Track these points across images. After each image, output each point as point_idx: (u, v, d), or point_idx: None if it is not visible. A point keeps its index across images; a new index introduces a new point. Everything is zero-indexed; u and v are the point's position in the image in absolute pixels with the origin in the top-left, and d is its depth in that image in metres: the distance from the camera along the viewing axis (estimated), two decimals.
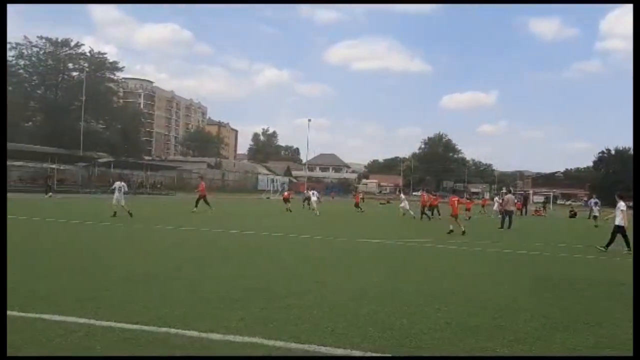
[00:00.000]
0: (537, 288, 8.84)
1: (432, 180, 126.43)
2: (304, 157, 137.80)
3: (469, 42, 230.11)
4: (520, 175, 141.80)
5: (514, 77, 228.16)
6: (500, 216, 26.21)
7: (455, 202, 21.12)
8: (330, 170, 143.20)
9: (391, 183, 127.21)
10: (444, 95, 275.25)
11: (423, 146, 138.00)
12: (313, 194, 32.86)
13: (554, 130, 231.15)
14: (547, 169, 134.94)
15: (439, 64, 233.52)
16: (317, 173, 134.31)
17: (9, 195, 34.22)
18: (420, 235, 18.58)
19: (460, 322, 6.14)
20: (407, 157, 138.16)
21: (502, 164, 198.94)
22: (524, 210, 42.78)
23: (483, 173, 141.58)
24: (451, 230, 19.41)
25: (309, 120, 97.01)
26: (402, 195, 35.25)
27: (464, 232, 19.07)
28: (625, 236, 15.25)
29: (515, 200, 30.24)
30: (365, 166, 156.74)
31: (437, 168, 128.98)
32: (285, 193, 37.37)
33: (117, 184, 22.77)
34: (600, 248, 15.25)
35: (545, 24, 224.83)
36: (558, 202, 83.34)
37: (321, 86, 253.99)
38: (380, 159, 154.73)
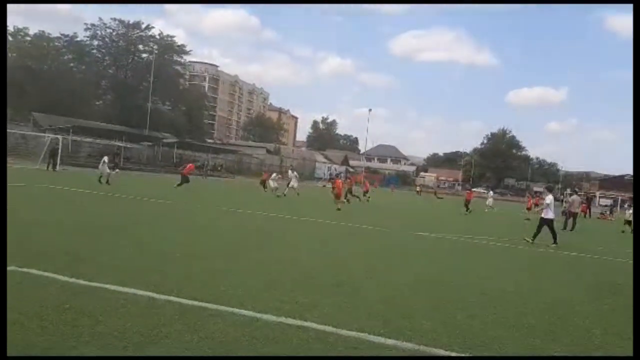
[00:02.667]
0: (597, 293, 8.52)
1: (493, 177, 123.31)
2: (363, 147, 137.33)
3: (540, 36, 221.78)
4: (586, 177, 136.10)
5: (586, 74, 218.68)
6: (564, 217, 25.29)
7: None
8: (389, 161, 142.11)
9: (450, 177, 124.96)
10: (510, 90, 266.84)
11: (485, 141, 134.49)
12: (295, 176, 30.14)
13: (627, 132, 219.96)
14: (616, 171, 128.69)
15: (508, 58, 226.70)
16: (375, 164, 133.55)
17: (78, 169, 35.97)
18: (477, 232, 18.18)
19: (515, 321, 6.01)
20: (468, 152, 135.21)
21: (568, 164, 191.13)
22: (588, 213, 41.08)
23: (547, 172, 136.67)
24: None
25: (370, 110, 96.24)
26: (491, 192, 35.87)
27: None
28: (552, 229, 15.36)
29: (582, 202, 29.10)
30: (424, 159, 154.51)
31: (498, 165, 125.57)
32: (265, 174, 34.84)
33: (105, 158, 25.98)
34: (527, 239, 15.25)
35: (623, 21, 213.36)
36: (626, 206, 79.37)
37: (384, 76, 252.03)
38: (440, 152, 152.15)
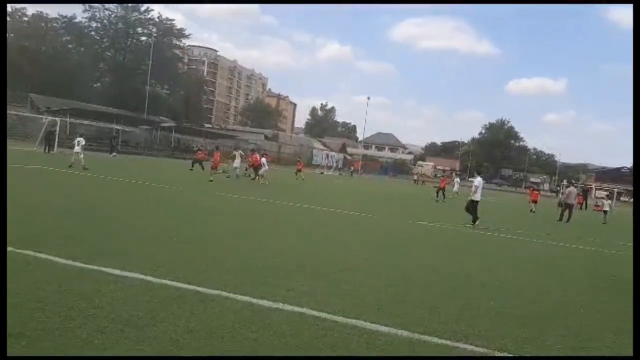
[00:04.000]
0: (592, 285, 8.58)
1: (490, 167, 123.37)
2: (361, 134, 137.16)
3: (541, 27, 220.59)
4: (583, 168, 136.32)
5: (586, 66, 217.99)
6: (559, 209, 25.38)
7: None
8: (386, 149, 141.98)
9: (448, 167, 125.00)
10: (510, 80, 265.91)
11: (483, 131, 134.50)
12: (264, 163, 27.29)
13: (625, 125, 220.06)
14: (613, 164, 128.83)
15: (508, 47, 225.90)
16: (373, 152, 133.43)
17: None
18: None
19: (510, 312, 6.05)
20: (466, 141, 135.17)
21: (565, 156, 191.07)
22: (584, 205, 41.22)
23: (544, 163, 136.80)
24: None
25: (368, 98, 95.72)
26: (457, 179, 35.38)
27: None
28: (474, 210, 15.86)
29: (578, 193, 29.14)
30: (422, 148, 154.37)
31: (496, 155, 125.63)
32: (200, 152, 32.80)
33: (78, 139, 25.10)
34: (468, 225, 15.50)
35: (623, 12, 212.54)
36: (622, 199, 79.61)
37: (383, 64, 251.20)
38: (439, 141, 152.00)
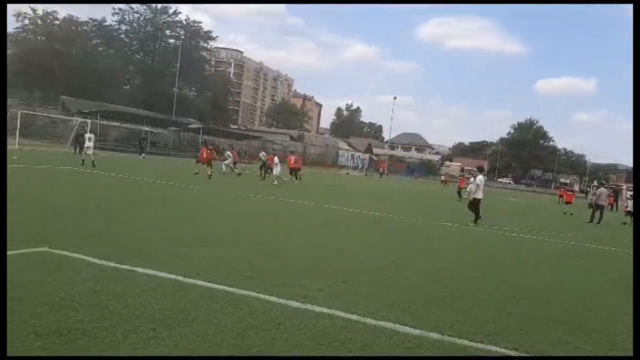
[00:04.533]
0: (622, 287, 8.38)
1: (519, 167, 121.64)
2: (387, 135, 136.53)
3: (571, 25, 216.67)
4: (613, 169, 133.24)
5: (616, 65, 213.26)
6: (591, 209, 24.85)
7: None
8: (413, 150, 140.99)
9: (475, 167, 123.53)
10: (539, 79, 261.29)
11: (512, 131, 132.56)
12: (277, 164, 26.94)
13: None
14: None
15: (537, 47, 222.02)
16: (399, 152, 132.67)
17: (106, 153, 36.49)
18: (503, 223, 17.99)
19: (538, 314, 5.96)
20: (494, 141, 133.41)
21: (596, 156, 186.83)
22: (615, 206, 40.27)
23: (574, 163, 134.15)
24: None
25: (395, 98, 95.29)
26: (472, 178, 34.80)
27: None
28: (476, 208, 15.77)
29: (608, 194, 28.48)
30: (449, 148, 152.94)
31: (525, 155, 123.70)
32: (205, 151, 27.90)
33: (88, 135, 25.32)
34: (470, 224, 15.40)
35: None
36: (628, 195, 77.28)
37: (409, 64, 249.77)
38: (466, 141, 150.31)
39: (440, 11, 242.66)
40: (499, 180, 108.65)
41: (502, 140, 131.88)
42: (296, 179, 27.76)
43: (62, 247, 6.41)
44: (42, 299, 4.49)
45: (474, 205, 15.88)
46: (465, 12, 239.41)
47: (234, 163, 30.09)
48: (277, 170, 26.57)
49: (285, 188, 23.45)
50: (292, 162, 28.35)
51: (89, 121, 39.25)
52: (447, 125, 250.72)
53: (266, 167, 28.91)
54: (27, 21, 74.54)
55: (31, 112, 38.52)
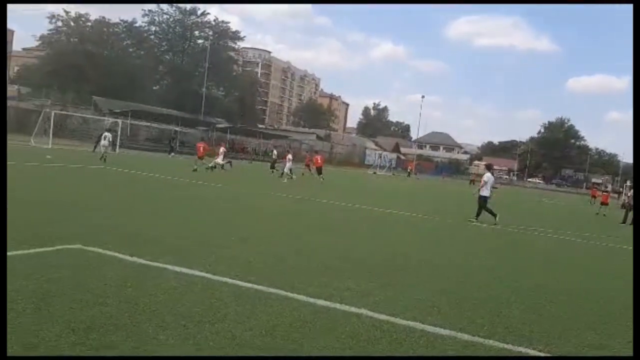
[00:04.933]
0: None
1: (550, 167, 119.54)
2: (415, 134, 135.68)
3: (603, 22, 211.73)
4: None
5: None
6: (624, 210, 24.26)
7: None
8: (441, 149, 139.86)
9: (505, 167, 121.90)
10: (570, 77, 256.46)
11: (542, 130, 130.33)
12: (289, 159, 27.10)
13: None
14: None
15: (568, 44, 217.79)
16: (427, 151, 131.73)
17: (136, 152, 37.11)
18: (535, 223, 17.70)
19: (572, 316, 5.84)
20: (524, 140, 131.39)
21: (629, 155, 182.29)
22: None
23: (606, 163, 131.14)
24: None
25: (422, 97, 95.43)
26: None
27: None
28: (480, 207, 15.54)
29: None
30: (478, 147, 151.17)
31: (556, 155, 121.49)
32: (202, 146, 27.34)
33: (105, 133, 26.82)
34: (472, 220, 15.36)
35: None
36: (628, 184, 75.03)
37: (437, 62, 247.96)
38: (495, 141, 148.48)
39: (469, 10, 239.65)
40: (529, 180, 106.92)
41: (532, 139, 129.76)
42: (319, 176, 28.15)
43: (94, 244, 6.53)
44: (76, 295, 4.58)
45: (480, 202, 15.69)
46: (494, 10, 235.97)
47: (229, 161, 29.31)
48: (288, 166, 26.67)
49: (312, 187, 23.48)
50: (319, 161, 28.58)
51: (119, 121, 40.00)
52: (476, 124, 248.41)
53: (272, 163, 29.92)
54: (60, 23, 76.29)
55: (64, 112, 39.36)
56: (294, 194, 18.51)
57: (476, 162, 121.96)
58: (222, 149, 27.74)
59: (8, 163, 18.66)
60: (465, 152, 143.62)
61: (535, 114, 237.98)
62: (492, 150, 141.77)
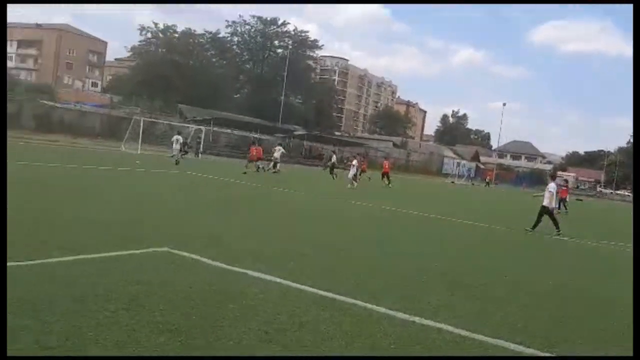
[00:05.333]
0: None
1: None
2: (495, 142, 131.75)
3: None
4: None
5: None
6: None
7: None
8: (522, 159, 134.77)
9: (591, 178, 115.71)
10: None
11: (632, 140, 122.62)
12: (353, 165, 26.22)
13: None
14: None
15: None
16: (508, 161, 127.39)
17: (216, 158, 38.35)
18: (621, 238, 16.64)
19: None
20: (612, 150, 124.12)
21: None
22: None
23: None
24: None
25: (504, 104, 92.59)
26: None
27: None
28: (553, 218, 14.79)
29: None
30: (562, 157, 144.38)
31: None
32: (254, 150, 28.80)
33: (176, 137, 28.19)
34: (528, 229, 14.58)
35: None
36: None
37: (520, 69, 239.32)
38: (581, 150, 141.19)
39: (554, 14, 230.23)
40: (617, 192, 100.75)
41: (620, 149, 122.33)
42: (388, 183, 28.76)
43: (181, 248, 6.79)
44: (164, 297, 4.78)
45: (541, 213, 14.78)
46: (580, 13, 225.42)
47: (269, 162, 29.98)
48: (351, 172, 26.27)
49: (382, 194, 23.31)
50: (387, 167, 29.90)
51: (203, 128, 41.52)
52: (560, 133, 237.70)
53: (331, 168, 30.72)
54: (149, 34, 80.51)
55: (152, 120, 41.39)
56: (367, 202, 18.45)
57: (560, 172, 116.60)
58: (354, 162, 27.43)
59: (101, 168, 19.94)
60: (549, 162, 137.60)
61: (625, 123, 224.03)
62: (577, 160, 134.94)
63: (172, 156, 27.93)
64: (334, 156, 36.02)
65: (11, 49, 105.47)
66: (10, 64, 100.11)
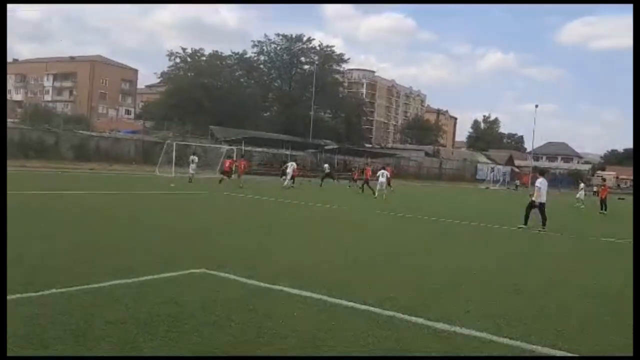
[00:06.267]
0: None
1: None
2: (529, 145, 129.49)
3: None
4: None
5: None
6: None
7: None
8: (559, 160, 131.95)
9: (632, 176, 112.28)
10: None
11: (632, 140, 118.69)
12: (382, 174, 25.88)
13: None
14: None
15: None
16: (544, 163, 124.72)
17: (251, 177, 38.68)
18: None
19: None
20: None
21: None
22: None
23: None
24: None
25: (536, 106, 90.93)
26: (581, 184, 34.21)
27: None
28: (542, 212, 15.22)
29: None
30: (601, 157, 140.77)
31: None
32: (228, 161, 29.18)
33: (192, 157, 28.95)
34: (520, 226, 15.14)
35: None
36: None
37: (551, 69, 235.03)
38: (620, 148, 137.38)
39: (583, 11, 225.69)
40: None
41: None
42: (361, 189, 29.55)
43: (217, 269, 6.86)
44: (202, 318, 4.83)
45: (535, 207, 15.29)
46: (610, 8, 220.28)
47: (292, 177, 30.05)
48: (380, 184, 25.76)
49: (411, 202, 23.11)
50: (369, 173, 30.61)
51: (234, 148, 42.02)
52: (597, 131, 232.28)
53: (363, 180, 30.45)
54: (178, 60, 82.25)
55: (184, 143, 42.10)
56: (395, 212, 18.34)
57: (599, 172, 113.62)
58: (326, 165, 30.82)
59: (138, 192, 20.37)
60: (587, 162, 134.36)
61: None
62: (617, 158, 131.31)
63: (191, 176, 28.53)
64: (327, 165, 37.60)
65: (47, 82, 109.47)
66: (47, 97, 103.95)
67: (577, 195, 32.40)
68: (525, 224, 15.18)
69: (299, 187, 29.49)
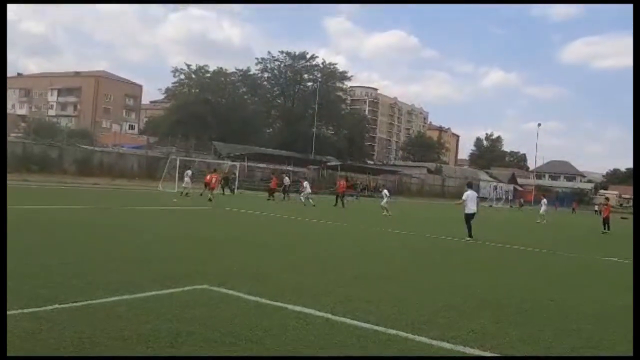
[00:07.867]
0: None
1: None
2: (532, 163, 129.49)
3: None
4: None
5: None
6: None
7: None
8: (561, 178, 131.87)
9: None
10: None
11: (633, 141, 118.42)
12: (385, 194, 26.64)
13: None
14: None
15: None
16: (546, 181, 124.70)
17: (253, 192, 38.70)
18: None
19: None
20: None
21: None
22: None
23: None
24: None
25: (539, 124, 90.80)
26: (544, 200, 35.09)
27: None
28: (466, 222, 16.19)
29: None
30: (603, 175, 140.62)
31: None
32: (208, 176, 29.94)
33: (187, 172, 29.92)
34: (467, 239, 15.73)
35: None
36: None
37: (554, 88, 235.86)
38: (623, 167, 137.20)
39: (585, 30, 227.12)
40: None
41: None
42: (337, 203, 31.24)
43: (219, 285, 6.83)
44: (204, 335, 4.79)
45: (465, 219, 16.27)
46: (613, 27, 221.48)
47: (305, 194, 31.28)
48: (384, 200, 26.19)
49: (414, 221, 23.05)
50: (342, 186, 33.03)
51: (237, 164, 42.12)
52: (600, 150, 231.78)
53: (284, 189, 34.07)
54: (182, 76, 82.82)
55: (187, 158, 42.18)
56: (399, 229, 18.29)
57: (601, 191, 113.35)
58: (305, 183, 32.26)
59: (141, 208, 20.38)
60: (589, 181, 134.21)
61: None
62: (619, 177, 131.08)
63: (185, 190, 28.85)
64: (287, 178, 38.85)
65: (52, 97, 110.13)
66: (51, 111, 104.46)
67: (540, 211, 32.48)
68: (470, 236, 15.91)
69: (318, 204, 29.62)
